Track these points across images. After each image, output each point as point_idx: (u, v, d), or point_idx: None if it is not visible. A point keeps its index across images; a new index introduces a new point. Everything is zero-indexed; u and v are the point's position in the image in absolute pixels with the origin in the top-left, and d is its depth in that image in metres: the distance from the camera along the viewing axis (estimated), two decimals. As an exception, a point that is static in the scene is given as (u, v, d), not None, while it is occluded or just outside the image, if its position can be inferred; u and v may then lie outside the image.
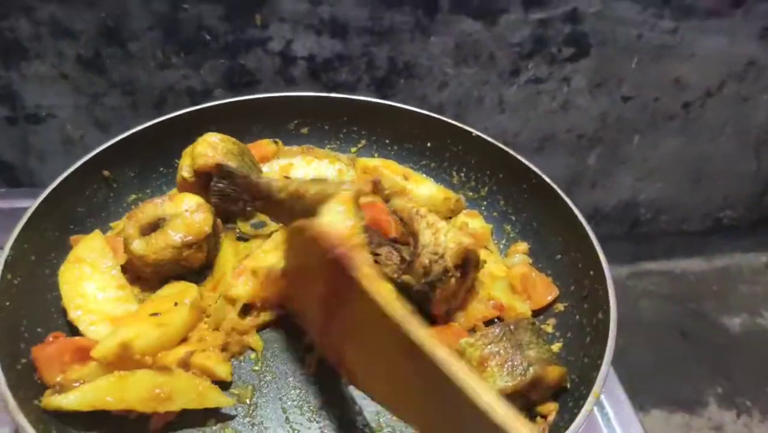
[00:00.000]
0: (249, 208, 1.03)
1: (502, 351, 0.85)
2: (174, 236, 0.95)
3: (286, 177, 1.17)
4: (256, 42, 1.51)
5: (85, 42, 1.44)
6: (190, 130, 1.15)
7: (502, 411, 0.46)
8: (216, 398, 0.81)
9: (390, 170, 1.18)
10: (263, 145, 1.23)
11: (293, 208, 0.87)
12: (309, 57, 1.56)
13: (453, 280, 0.90)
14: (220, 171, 0.99)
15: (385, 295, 0.55)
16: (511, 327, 0.89)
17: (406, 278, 0.90)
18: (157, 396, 0.76)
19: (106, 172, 1.09)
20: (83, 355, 0.81)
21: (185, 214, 0.98)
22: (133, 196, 1.13)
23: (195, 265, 0.98)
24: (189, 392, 0.79)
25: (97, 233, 0.99)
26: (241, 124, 1.22)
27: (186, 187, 1.04)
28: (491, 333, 0.87)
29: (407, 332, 0.52)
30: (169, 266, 0.96)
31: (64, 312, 0.91)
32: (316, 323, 0.70)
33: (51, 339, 0.85)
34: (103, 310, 0.90)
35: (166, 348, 0.85)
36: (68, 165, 1.04)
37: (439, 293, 0.90)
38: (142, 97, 1.55)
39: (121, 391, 0.76)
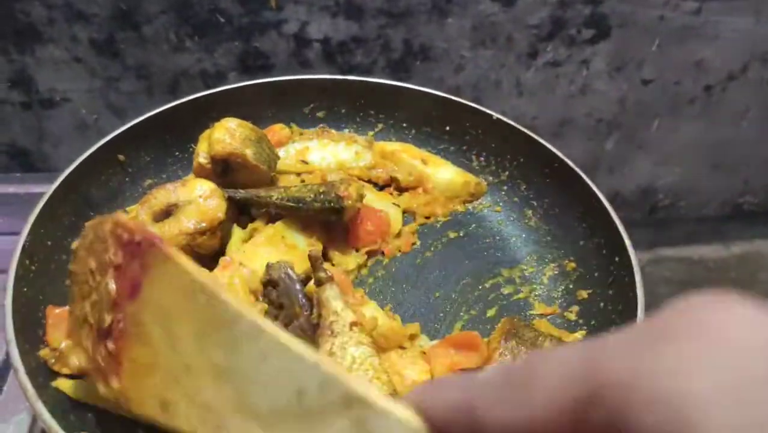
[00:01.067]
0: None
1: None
2: (187, 222, 0.94)
3: (303, 162, 1.16)
4: (271, 25, 1.49)
5: (98, 26, 1.42)
6: (204, 114, 1.14)
7: (318, 358, 0.41)
8: None
9: (408, 154, 1.16)
10: (277, 130, 1.21)
11: None
12: (324, 39, 1.54)
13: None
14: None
15: (191, 264, 0.52)
16: (513, 331, 0.86)
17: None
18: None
19: (121, 157, 1.08)
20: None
21: (199, 200, 0.96)
22: (149, 181, 1.12)
23: (208, 252, 0.97)
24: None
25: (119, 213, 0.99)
26: (255, 108, 1.21)
27: (202, 173, 1.03)
28: (507, 348, 0.84)
29: (214, 296, 0.48)
30: (182, 252, 0.94)
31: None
32: (92, 335, 0.63)
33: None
34: None
35: None
36: (83, 149, 1.03)
37: None
38: (156, 81, 1.54)
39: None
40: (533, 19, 1.60)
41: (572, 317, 0.96)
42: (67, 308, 0.81)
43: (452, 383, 0.36)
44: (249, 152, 1.02)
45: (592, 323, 0.94)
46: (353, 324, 0.77)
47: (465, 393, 0.34)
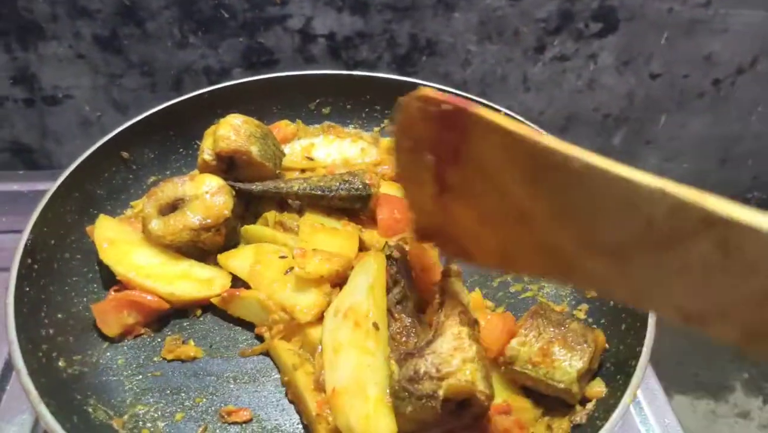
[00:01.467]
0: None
1: (554, 336, 0.82)
2: (192, 218, 0.94)
3: (309, 158, 1.15)
4: (275, 20, 1.48)
5: (102, 22, 1.41)
6: (209, 110, 1.13)
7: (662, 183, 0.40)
8: None
9: None
10: (282, 127, 1.20)
11: None
12: (329, 35, 1.52)
13: (432, 407, 0.71)
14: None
15: (505, 120, 0.53)
16: (540, 312, 0.86)
17: (393, 364, 0.76)
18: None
19: (125, 154, 1.07)
20: (140, 307, 0.89)
21: (205, 196, 0.96)
22: (153, 178, 1.11)
23: (212, 248, 0.97)
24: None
25: (102, 216, 0.98)
26: (260, 104, 1.20)
27: (207, 169, 1.02)
28: (533, 325, 0.83)
29: (538, 144, 0.49)
30: (186, 248, 0.94)
31: (85, 296, 0.89)
32: (427, 201, 0.66)
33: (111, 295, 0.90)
34: (166, 272, 0.93)
35: None
36: (86, 146, 1.02)
37: (411, 410, 0.73)
38: (160, 77, 1.53)
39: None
40: (540, 13, 1.58)
41: (581, 315, 0.95)
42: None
43: None
44: (254, 149, 1.01)
45: (602, 321, 0.93)
46: (476, 321, 0.78)
47: None
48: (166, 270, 0.93)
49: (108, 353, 0.88)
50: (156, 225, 0.93)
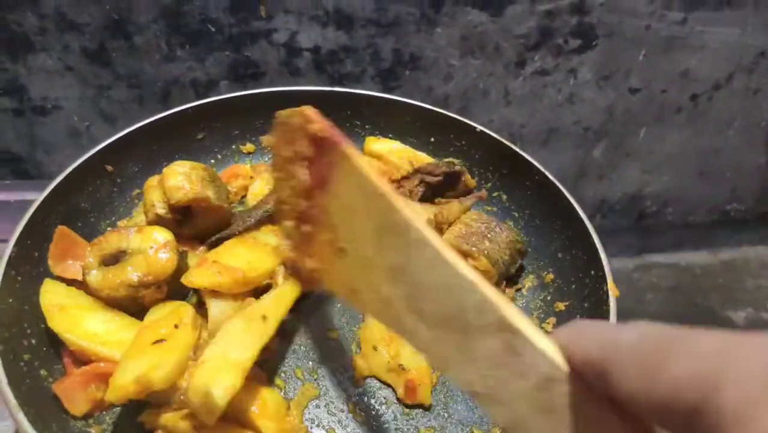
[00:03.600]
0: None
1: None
2: (131, 273, 0.88)
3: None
4: (261, 34, 1.51)
5: (90, 35, 1.44)
6: (193, 125, 1.16)
7: (475, 278, 0.45)
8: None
9: (396, 156, 1.18)
10: (235, 170, 1.21)
11: None
12: (314, 49, 1.56)
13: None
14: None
15: (368, 168, 0.53)
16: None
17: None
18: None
19: (109, 168, 1.09)
20: (107, 378, 0.77)
21: (149, 251, 0.90)
22: (137, 191, 1.14)
23: (154, 304, 0.91)
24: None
25: (47, 281, 0.92)
26: (243, 118, 1.23)
27: (160, 223, 0.98)
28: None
29: (389, 203, 0.51)
30: (125, 302, 0.89)
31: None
32: (293, 215, 0.67)
33: (69, 371, 0.84)
34: (119, 338, 0.85)
35: (182, 373, 0.79)
36: (75, 156, 1.05)
37: None
38: (148, 90, 1.55)
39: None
40: (521, 29, 1.62)
41: (549, 328, 0.98)
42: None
43: (593, 336, 0.39)
44: (211, 194, 0.98)
45: (569, 334, 0.96)
46: None
47: (603, 352, 0.37)
48: (121, 336, 0.86)
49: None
50: (94, 276, 0.89)
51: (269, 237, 1.01)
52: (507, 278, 1.03)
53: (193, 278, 0.89)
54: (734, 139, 1.98)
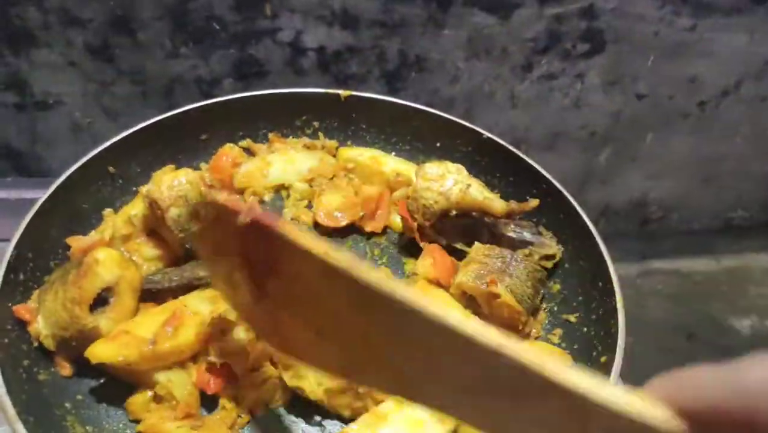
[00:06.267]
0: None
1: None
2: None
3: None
4: (266, 32, 1.49)
5: (94, 31, 1.42)
6: (196, 125, 1.14)
7: (499, 338, 0.36)
8: None
9: (375, 165, 1.17)
10: (227, 151, 1.19)
11: None
12: (319, 48, 1.54)
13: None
14: None
15: (319, 245, 0.45)
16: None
17: None
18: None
19: (111, 169, 1.08)
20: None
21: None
22: (135, 188, 1.12)
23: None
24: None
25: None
26: (247, 119, 1.21)
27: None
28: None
29: (357, 280, 0.42)
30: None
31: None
32: (247, 308, 0.61)
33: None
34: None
35: None
36: (76, 152, 1.03)
37: None
38: (151, 86, 1.54)
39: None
40: (529, 33, 1.60)
41: (555, 339, 0.97)
42: None
43: (708, 381, 0.33)
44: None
45: (575, 346, 0.95)
46: None
47: (736, 397, 0.31)
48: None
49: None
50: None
51: (202, 305, 0.89)
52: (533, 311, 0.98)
53: (95, 351, 0.79)
54: (741, 147, 1.97)
